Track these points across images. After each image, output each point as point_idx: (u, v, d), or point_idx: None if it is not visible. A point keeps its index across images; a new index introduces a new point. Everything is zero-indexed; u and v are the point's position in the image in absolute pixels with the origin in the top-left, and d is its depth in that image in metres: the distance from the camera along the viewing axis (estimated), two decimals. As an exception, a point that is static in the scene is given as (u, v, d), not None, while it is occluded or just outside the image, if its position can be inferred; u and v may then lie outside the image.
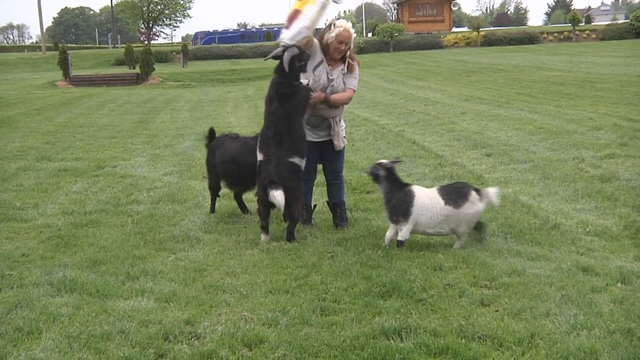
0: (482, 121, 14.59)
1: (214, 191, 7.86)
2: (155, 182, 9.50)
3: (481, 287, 5.24)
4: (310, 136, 6.93)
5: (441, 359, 4.12)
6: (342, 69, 6.93)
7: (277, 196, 6.26)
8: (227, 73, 39.67)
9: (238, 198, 7.88)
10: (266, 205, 6.54)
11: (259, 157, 6.63)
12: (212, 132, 8.12)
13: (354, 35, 6.94)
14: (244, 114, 18.94)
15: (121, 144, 13.47)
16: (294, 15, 6.62)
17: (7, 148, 13.15)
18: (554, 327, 4.45)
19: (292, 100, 6.58)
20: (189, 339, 4.46)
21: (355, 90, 7.06)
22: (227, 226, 7.22)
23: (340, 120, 7.09)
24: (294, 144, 6.54)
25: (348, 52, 6.88)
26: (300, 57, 6.61)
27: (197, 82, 35.88)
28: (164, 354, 4.28)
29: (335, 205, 7.19)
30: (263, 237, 6.63)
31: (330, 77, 6.86)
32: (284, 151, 6.49)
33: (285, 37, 6.58)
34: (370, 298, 5.06)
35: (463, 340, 4.32)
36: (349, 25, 6.92)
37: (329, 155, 7.13)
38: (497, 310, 4.79)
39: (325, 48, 6.86)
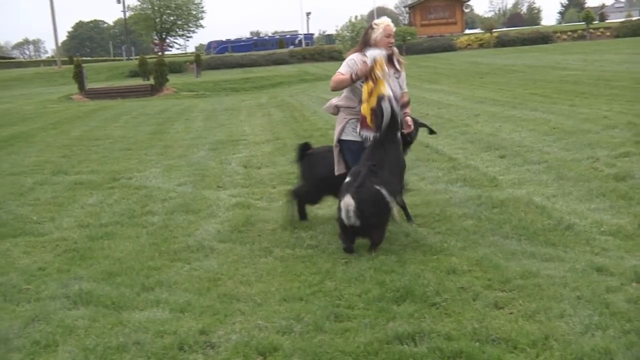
0: (495, 122, 14.55)
1: (311, 203, 7.64)
2: (169, 193, 9.56)
3: (495, 289, 5.23)
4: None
5: (455, 363, 4.12)
6: (394, 73, 6.96)
7: (346, 204, 6.09)
8: (240, 82, 39.77)
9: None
10: (343, 227, 6.34)
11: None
12: (306, 145, 7.70)
13: (394, 30, 7.04)
14: (257, 122, 18.99)
15: (136, 156, 13.56)
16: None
17: (23, 163, 13.28)
18: (569, 328, 4.44)
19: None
20: (203, 349, 4.49)
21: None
22: (241, 235, 7.25)
23: None
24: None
25: (396, 51, 7.02)
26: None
27: (211, 91, 36.00)
28: (179, 364, 4.31)
29: None
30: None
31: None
32: (373, 178, 6.30)
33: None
34: (383, 303, 5.06)
35: (477, 343, 4.31)
36: (389, 20, 7.02)
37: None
38: (512, 313, 4.78)
39: None
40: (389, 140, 6.56)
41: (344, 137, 6.92)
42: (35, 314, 5.20)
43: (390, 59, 6.96)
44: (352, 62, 6.78)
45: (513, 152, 10.89)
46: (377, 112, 6.45)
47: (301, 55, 62.24)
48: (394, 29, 7.04)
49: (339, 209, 6.22)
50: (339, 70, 6.84)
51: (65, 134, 18.40)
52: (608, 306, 4.73)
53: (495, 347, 4.26)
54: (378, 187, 6.22)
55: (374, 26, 6.95)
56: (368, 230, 6.26)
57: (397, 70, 7.05)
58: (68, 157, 13.80)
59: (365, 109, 6.60)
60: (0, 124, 22.26)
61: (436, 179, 9.32)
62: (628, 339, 4.21)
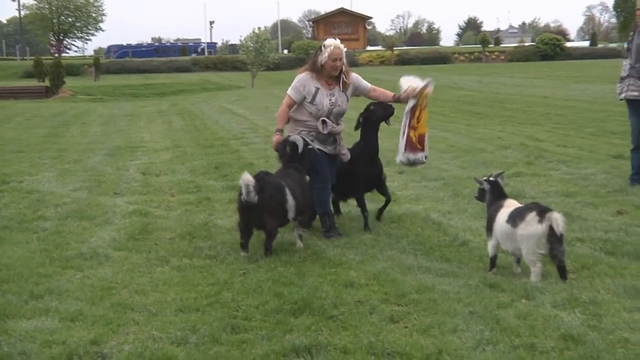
0: (394, 139, 14.74)
1: None
2: (63, 198, 9.24)
3: (391, 303, 5.30)
4: (322, 148, 7.31)
5: (351, 376, 4.14)
6: (339, 90, 7.26)
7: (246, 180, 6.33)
8: (140, 88, 39.15)
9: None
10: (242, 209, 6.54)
11: None
12: None
13: (345, 50, 7.26)
14: (157, 129, 18.69)
15: (28, 159, 13.07)
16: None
17: None
18: (461, 343, 4.53)
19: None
20: (94, 359, 4.35)
21: None
22: (137, 243, 7.08)
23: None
24: None
25: (343, 68, 7.24)
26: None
27: (110, 96, 35.23)
28: (68, 375, 4.15)
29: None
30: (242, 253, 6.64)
31: (331, 100, 7.20)
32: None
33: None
34: (281, 315, 5.04)
35: (373, 357, 4.34)
36: (338, 42, 7.23)
37: (331, 168, 7.45)
38: (407, 327, 4.85)
39: (320, 71, 7.17)
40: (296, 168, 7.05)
41: None
42: None
43: (338, 77, 7.27)
44: (300, 86, 7.16)
45: (411, 169, 11.06)
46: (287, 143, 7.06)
47: (204, 64, 61.78)
48: (344, 50, 7.24)
49: (240, 188, 6.43)
50: (288, 92, 7.23)
51: (-48, 134, 17.59)
52: (499, 322, 4.86)
53: (390, 361, 4.30)
54: (282, 183, 6.59)
55: (322, 48, 7.16)
56: (263, 215, 6.42)
57: (342, 87, 7.31)
58: (-46, 158, 13.16)
59: (413, 134, 7.38)
60: None
61: (336, 192, 9.37)
62: (517, 354, 4.33)
